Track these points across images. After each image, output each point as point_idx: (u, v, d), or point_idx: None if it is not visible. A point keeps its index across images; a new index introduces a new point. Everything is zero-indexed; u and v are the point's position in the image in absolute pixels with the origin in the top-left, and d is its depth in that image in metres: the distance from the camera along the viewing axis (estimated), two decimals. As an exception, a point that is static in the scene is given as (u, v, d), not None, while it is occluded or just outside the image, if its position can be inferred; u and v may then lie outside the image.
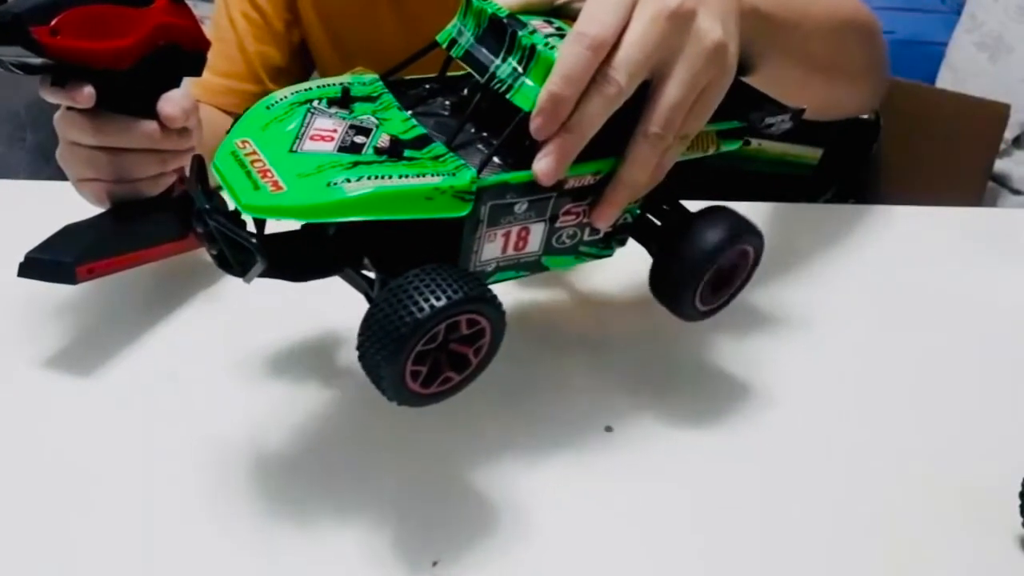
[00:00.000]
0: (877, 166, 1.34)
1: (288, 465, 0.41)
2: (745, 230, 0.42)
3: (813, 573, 0.38)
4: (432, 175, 0.34)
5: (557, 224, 0.39)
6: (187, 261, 0.54)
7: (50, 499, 0.40)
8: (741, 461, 0.43)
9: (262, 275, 0.37)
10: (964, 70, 1.47)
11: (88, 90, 0.44)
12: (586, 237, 0.41)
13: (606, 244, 0.43)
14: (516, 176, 0.36)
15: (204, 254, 0.56)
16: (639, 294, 0.54)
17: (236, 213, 0.36)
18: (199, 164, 0.38)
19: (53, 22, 0.42)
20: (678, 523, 0.40)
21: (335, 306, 0.54)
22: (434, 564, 0.37)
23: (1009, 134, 1.38)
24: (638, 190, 0.39)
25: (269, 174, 0.34)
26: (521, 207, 0.37)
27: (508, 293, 0.55)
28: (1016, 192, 1.42)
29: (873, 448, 0.44)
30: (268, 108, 0.37)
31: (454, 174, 0.34)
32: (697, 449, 0.43)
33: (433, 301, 0.32)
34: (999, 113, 1.28)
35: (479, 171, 0.35)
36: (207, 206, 0.36)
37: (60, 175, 0.52)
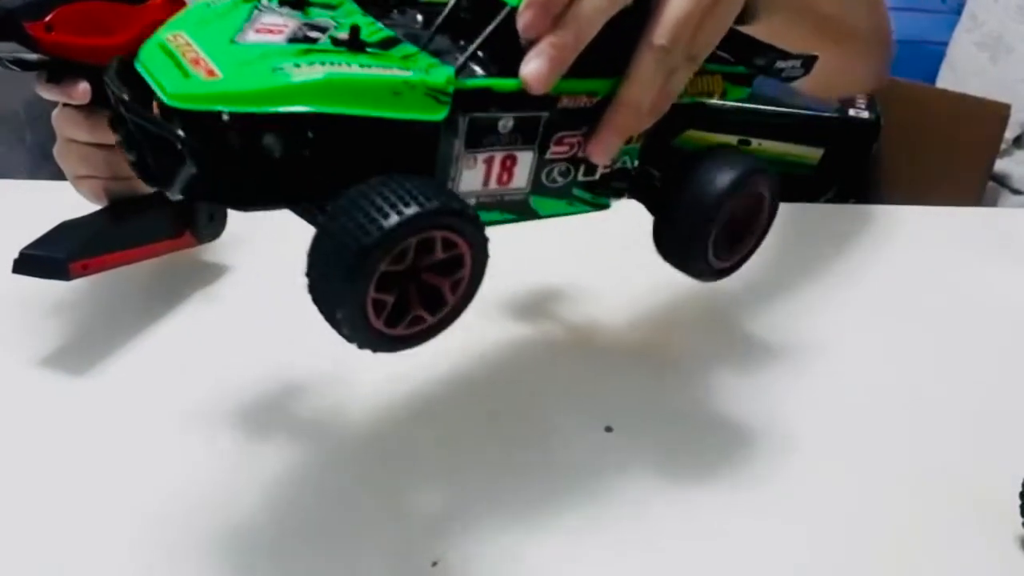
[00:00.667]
0: (877, 166, 1.35)
1: (286, 463, 0.41)
2: (754, 170, 0.37)
3: (812, 570, 0.38)
4: (400, 69, 0.29)
5: (548, 155, 0.34)
6: (185, 262, 0.54)
7: (39, 499, 0.39)
8: (741, 457, 0.43)
9: (195, 196, 0.31)
10: (964, 70, 1.47)
11: (83, 86, 0.44)
12: (581, 177, 0.36)
13: (603, 191, 0.38)
14: (501, 83, 0.31)
15: (202, 254, 0.56)
16: (640, 292, 0.54)
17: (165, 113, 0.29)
18: (120, 60, 0.32)
19: (48, 18, 0.42)
20: (678, 522, 0.40)
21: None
22: (434, 564, 0.37)
23: (1009, 134, 1.38)
24: (641, 116, 0.34)
25: (203, 62, 0.29)
26: (506, 125, 0.32)
27: (506, 293, 0.55)
28: (1016, 192, 1.42)
29: (871, 446, 0.44)
30: (208, 5, 0.32)
31: (427, 71, 0.29)
32: (698, 448, 0.43)
33: (402, 207, 0.27)
34: (999, 113, 1.28)
35: (456, 75, 0.30)
36: (125, 96, 0.30)
37: (59, 174, 0.52)
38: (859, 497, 0.41)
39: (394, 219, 0.27)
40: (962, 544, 0.39)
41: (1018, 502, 0.39)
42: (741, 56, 0.38)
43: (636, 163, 0.39)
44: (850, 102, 1.34)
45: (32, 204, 0.56)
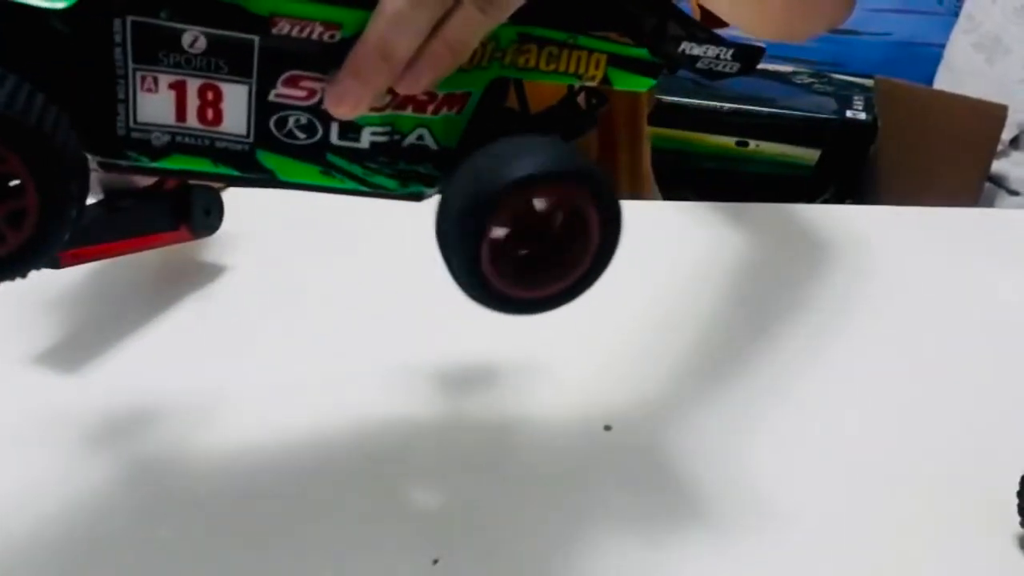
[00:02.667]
0: (874, 167, 1.35)
1: (284, 462, 0.41)
2: (575, 173, 0.27)
3: (811, 569, 0.38)
4: None
5: (274, 97, 0.28)
6: (179, 260, 0.54)
7: (33, 497, 0.39)
8: (742, 455, 0.43)
9: None
10: (962, 71, 1.47)
11: None
12: (337, 140, 0.29)
13: (381, 170, 0.30)
14: None
15: (196, 251, 0.56)
16: (640, 292, 0.54)
17: None
18: None
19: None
20: (679, 523, 0.40)
21: (330, 303, 0.54)
22: (434, 563, 0.37)
23: (1006, 135, 1.39)
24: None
25: None
26: (195, 43, 0.26)
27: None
28: (1013, 193, 1.42)
29: (870, 446, 0.44)
30: None
31: None
32: (698, 448, 0.43)
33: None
34: (997, 114, 1.29)
35: None
36: None
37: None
38: (858, 495, 0.41)
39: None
40: (961, 544, 0.39)
41: (1017, 502, 0.39)
42: (627, 27, 0.30)
43: (442, 144, 0.30)
44: (847, 103, 1.35)
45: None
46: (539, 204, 0.27)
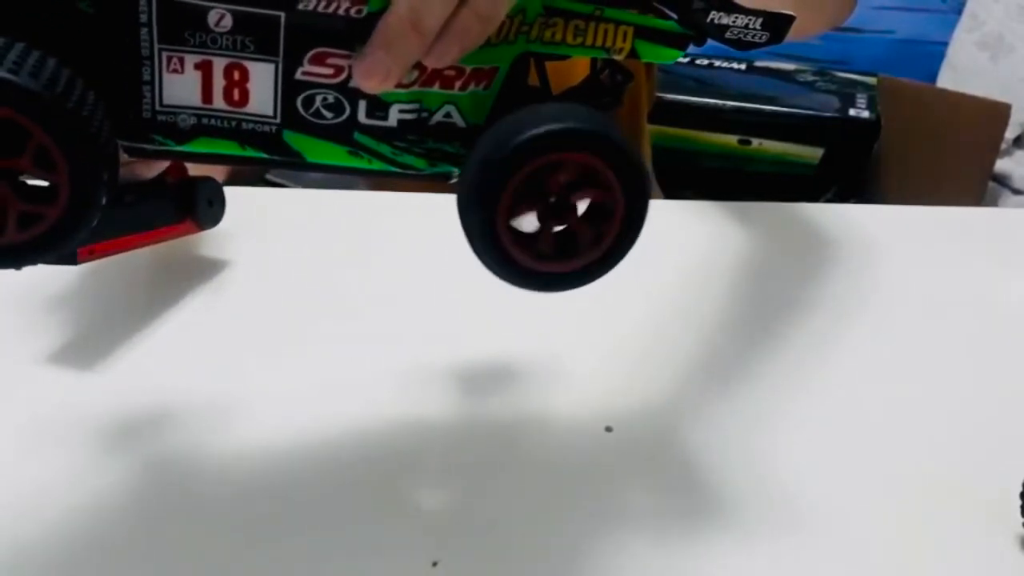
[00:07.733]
0: (877, 166, 1.35)
1: (285, 461, 0.41)
2: (599, 139, 0.27)
3: (812, 567, 0.38)
4: None
5: (300, 76, 0.27)
6: (188, 254, 0.54)
7: (61, 497, 0.39)
8: (742, 455, 0.43)
9: None
10: (965, 70, 1.47)
11: None
12: (365, 119, 0.28)
13: (408, 149, 0.29)
14: None
15: (205, 245, 0.57)
16: (640, 292, 0.54)
17: None
18: None
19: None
20: (682, 523, 0.40)
21: (340, 296, 0.54)
22: (434, 564, 0.37)
23: (1010, 134, 1.38)
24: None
25: None
26: (221, 21, 0.26)
27: (505, 292, 0.55)
28: (1017, 192, 1.42)
29: (871, 446, 0.44)
30: None
31: None
32: (699, 449, 0.43)
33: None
34: (1000, 113, 1.28)
35: None
36: None
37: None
38: (860, 495, 0.41)
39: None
40: (962, 544, 0.39)
41: (1018, 502, 0.39)
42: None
43: (470, 121, 0.30)
44: (850, 101, 1.34)
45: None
46: (559, 167, 0.27)
